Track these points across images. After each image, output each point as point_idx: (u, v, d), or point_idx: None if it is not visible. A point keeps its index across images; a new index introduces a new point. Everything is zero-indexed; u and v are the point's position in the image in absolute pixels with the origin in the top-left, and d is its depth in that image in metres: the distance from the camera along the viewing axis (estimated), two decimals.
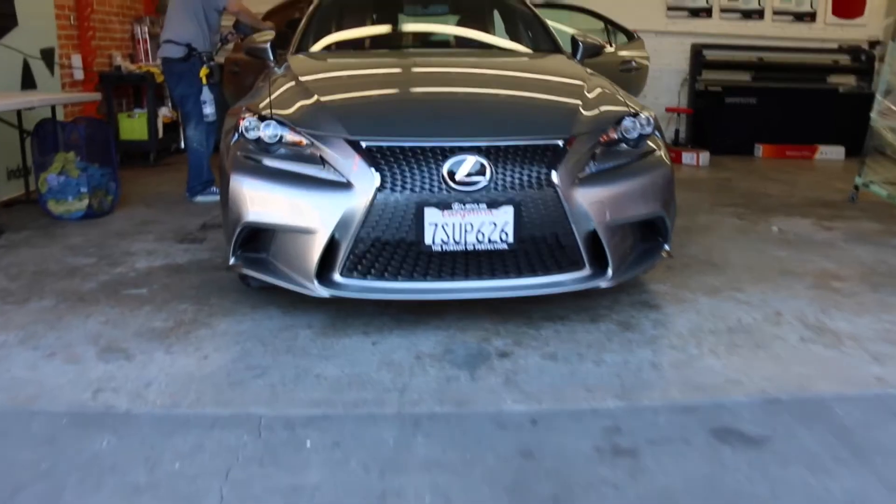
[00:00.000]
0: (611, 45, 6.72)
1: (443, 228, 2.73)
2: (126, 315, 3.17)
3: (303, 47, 4.16)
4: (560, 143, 2.89)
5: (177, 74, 5.52)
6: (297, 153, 2.91)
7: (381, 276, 2.80)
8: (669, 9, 9.31)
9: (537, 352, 2.83)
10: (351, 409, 2.37)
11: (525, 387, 2.53)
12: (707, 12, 9.35)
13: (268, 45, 4.05)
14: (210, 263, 3.92)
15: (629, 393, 2.51)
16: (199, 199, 5.58)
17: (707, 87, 8.75)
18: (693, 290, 3.57)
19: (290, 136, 2.92)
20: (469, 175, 2.74)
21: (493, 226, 2.76)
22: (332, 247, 2.77)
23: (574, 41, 4.29)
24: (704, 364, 2.74)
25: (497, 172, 2.78)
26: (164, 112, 7.75)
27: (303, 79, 3.29)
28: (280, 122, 2.94)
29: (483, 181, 2.76)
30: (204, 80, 5.45)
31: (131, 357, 2.74)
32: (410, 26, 4.88)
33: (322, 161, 2.84)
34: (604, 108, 3.19)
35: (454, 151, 2.77)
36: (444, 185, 2.74)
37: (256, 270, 2.95)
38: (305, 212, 2.79)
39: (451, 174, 2.74)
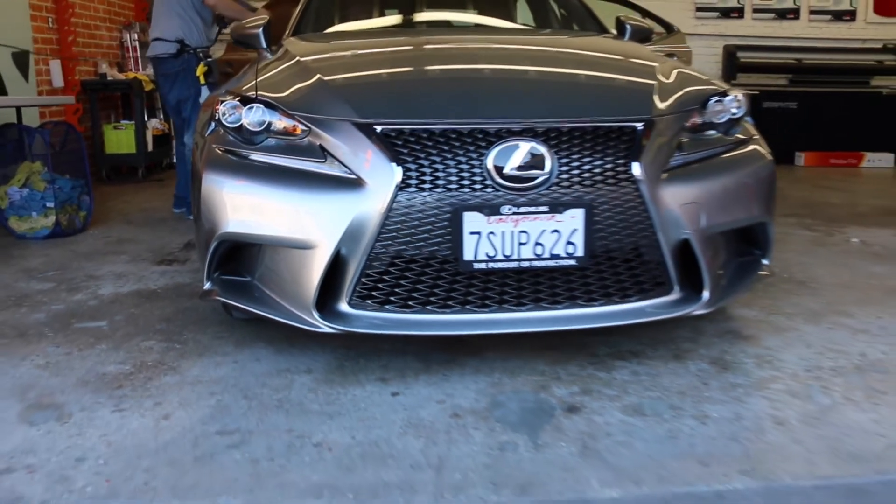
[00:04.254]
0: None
1: (488, 239, 2.02)
2: (73, 356, 2.45)
3: (301, 30, 3.47)
4: (639, 125, 2.18)
5: (170, 76, 4.78)
6: (290, 144, 2.20)
7: (403, 307, 2.08)
8: (698, 9, 8.67)
9: (616, 404, 2.10)
10: (367, 499, 1.64)
11: (612, 459, 1.80)
12: (739, 12, 8.71)
13: (260, 30, 3.33)
14: (189, 289, 3.21)
15: (760, 466, 1.77)
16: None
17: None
18: (790, 316, 2.85)
19: (280, 122, 2.22)
20: (522, 167, 2.03)
21: (557, 235, 2.04)
22: (337, 266, 2.06)
23: (620, 23, 3.61)
24: (846, 419, 2.01)
25: (560, 164, 2.06)
26: (155, 123, 7.09)
27: (302, 59, 2.59)
28: (268, 105, 2.24)
29: (542, 175, 2.04)
30: (202, 80, 4.72)
31: (66, 417, 2.02)
32: (427, 10, 4.15)
33: (323, 152, 2.13)
34: (684, 86, 2.48)
35: (501, 136, 2.06)
36: (489, 182, 2.03)
37: (238, 299, 2.23)
38: (301, 220, 2.09)
39: (499, 167, 2.03)
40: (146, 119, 6.87)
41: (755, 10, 8.68)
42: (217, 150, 2.26)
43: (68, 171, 4.53)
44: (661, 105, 2.31)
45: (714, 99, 2.45)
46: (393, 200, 1.99)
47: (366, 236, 2.01)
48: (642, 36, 3.52)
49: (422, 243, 2.02)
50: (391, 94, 2.30)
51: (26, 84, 5.70)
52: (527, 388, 2.20)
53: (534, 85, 2.38)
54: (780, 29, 8.70)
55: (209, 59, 4.77)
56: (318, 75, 2.35)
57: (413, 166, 2.02)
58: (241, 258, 2.29)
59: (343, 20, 3.77)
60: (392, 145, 2.05)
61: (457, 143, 2.04)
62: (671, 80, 2.49)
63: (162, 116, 7.28)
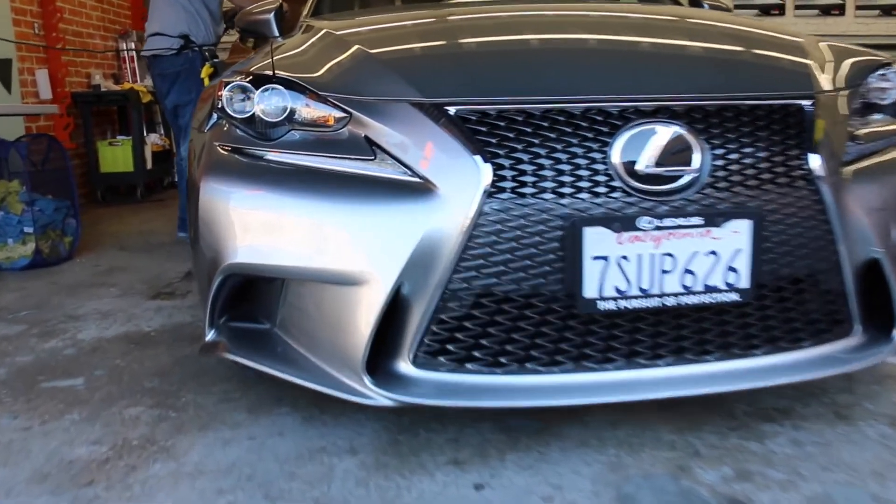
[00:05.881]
0: None
1: (619, 267, 1.39)
2: (32, 433, 1.83)
3: (321, 11, 2.87)
4: (806, 104, 1.56)
5: (170, 76, 4.11)
6: (322, 137, 1.58)
7: (492, 365, 1.44)
8: (736, 6, 8.06)
9: (794, 496, 1.46)
10: None
11: None
12: (780, 9, 8.12)
13: (271, 14, 2.71)
14: (190, 330, 2.59)
15: None
16: None
17: None
18: None
19: (308, 109, 1.60)
20: (662, 162, 1.40)
21: (714, 258, 1.42)
22: (396, 310, 1.43)
23: (695, 2, 3.05)
24: None
25: (713, 156, 1.44)
26: (154, 139, 6.51)
27: (334, 32, 1.97)
28: (290, 86, 1.62)
29: (690, 173, 1.42)
30: (206, 82, 4.07)
31: None
32: None
33: (371, 147, 1.51)
34: (842, 58, 1.86)
35: (628, 118, 1.44)
36: (617, 183, 1.41)
37: (254, 356, 1.60)
38: (342, 243, 1.46)
39: (629, 162, 1.41)
40: (145, 134, 6.29)
41: (797, 7, 8.09)
42: (220, 149, 1.65)
43: (52, 190, 3.93)
44: (825, 80, 1.69)
45: (878, 73, 1.84)
46: (479, 212, 1.37)
47: (439, 265, 1.38)
48: None
49: (521, 274, 1.39)
50: (466, 64, 1.66)
51: (8, 95, 5.12)
52: (658, 468, 1.57)
53: (660, 54, 1.73)
54: (824, 26, 8.10)
55: (216, 60, 4.14)
56: (357, 46, 1.73)
57: (506, 162, 1.40)
58: (255, 296, 1.67)
59: (367, 3, 3.17)
60: (473, 133, 1.42)
61: (567, 129, 1.42)
62: (824, 51, 1.88)
63: (162, 131, 6.71)
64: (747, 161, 1.46)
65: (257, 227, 1.54)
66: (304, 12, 2.80)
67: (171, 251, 4.02)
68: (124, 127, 6.49)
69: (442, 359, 1.45)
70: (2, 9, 5.14)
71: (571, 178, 1.39)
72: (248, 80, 1.67)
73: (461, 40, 1.84)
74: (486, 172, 1.38)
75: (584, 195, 1.39)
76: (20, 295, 3.20)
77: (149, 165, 6.27)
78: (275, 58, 1.82)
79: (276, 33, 2.68)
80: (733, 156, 1.45)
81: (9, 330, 2.69)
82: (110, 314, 2.84)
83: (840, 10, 8.10)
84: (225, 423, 1.83)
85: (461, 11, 2.21)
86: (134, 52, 6.86)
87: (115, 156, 6.11)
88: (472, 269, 1.39)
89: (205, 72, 4.02)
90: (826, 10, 8.11)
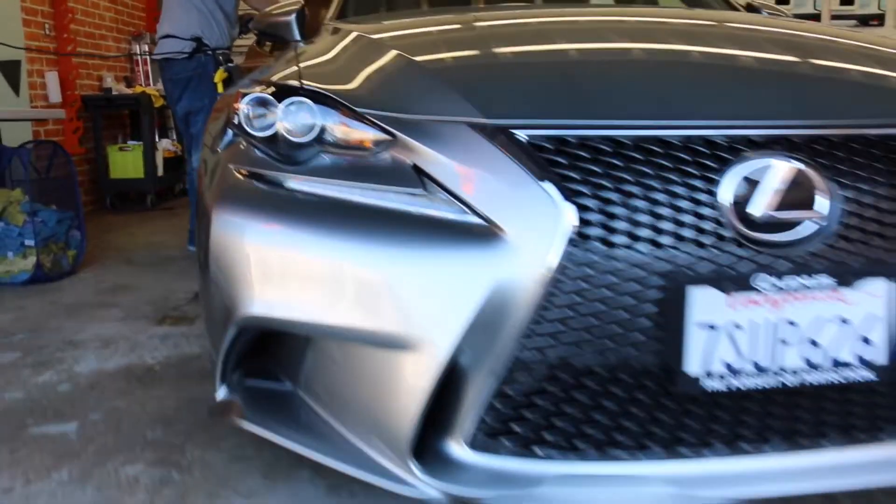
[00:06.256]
0: None
1: (729, 337, 1.12)
2: (13, 495, 1.59)
3: (346, 14, 2.61)
4: None
5: (181, 81, 3.86)
6: (358, 163, 1.32)
7: (566, 450, 1.17)
8: (770, 16, 7.78)
9: None
10: None
11: None
12: (815, 19, 7.80)
13: (293, 17, 2.45)
14: (198, 365, 2.34)
15: None
16: None
17: None
18: None
19: (341, 128, 1.34)
20: (780, 207, 1.13)
21: (846, 327, 1.14)
22: (451, 382, 1.16)
23: (753, 9, 2.80)
24: None
25: (843, 198, 1.17)
26: (166, 145, 6.29)
27: (368, 35, 1.71)
28: (320, 99, 1.36)
29: (815, 219, 1.14)
30: (220, 88, 3.82)
31: None
32: None
33: (420, 178, 1.24)
34: None
35: (737, 150, 1.17)
36: (727, 232, 1.13)
37: (272, 425, 1.34)
38: (386, 300, 1.20)
39: (739, 204, 1.13)
40: (156, 139, 6.08)
41: (834, 17, 7.79)
42: (236, 173, 1.40)
43: (56, 199, 3.70)
44: None
45: None
46: (561, 266, 1.10)
47: (506, 330, 1.11)
48: None
49: (607, 343, 1.12)
50: (538, 78, 1.39)
51: (16, 98, 4.91)
52: None
53: (770, 72, 1.43)
54: None
55: (230, 64, 3.89)
56: (395, 52, 1.47)
57: (592, 203, 1.12)
58: (276, 349, 1.41)
59: (401, 5, 2.91)
60: (549, 165, 1.15)
61: (665, 163, 1.15)
62: None
63: (175, 136, 6.49)
64: (882, 205, 1.18)
65: (279, 271, 1.28)
66: (329, 14, 2.54)
67: (181, 266, 3.79)
68: (136, 132, 6.28)
69: (504, 441, 1.18)
70: (12, 8, 4.93)
71: (672, 225, 1.12)
72: (269, 91, 1.41)
73: (528, 48, 1.56)
74: (567, 215, 1.10)
75: (687, 246, 1.12)
76: (17, 316, 2.96)
77: (160, 172, 6.07)
78: (301, 65, 1.57)
79: (298, 37, 2.43)
80: (866, 199, 1.18)
81: (1, 358, 2.45)
82: (112, 341, 2.60)
83: (879, 20, 7.80)
84: (237, 491, 1.57)
85: (524, 14, 1.93)
86: (147, 56, 6.65)
87: (126, 161, 5.90)
88: (546, 335, 1.12)
89: (218, 77, 3.77)
90: (864, 21, 7.81)
